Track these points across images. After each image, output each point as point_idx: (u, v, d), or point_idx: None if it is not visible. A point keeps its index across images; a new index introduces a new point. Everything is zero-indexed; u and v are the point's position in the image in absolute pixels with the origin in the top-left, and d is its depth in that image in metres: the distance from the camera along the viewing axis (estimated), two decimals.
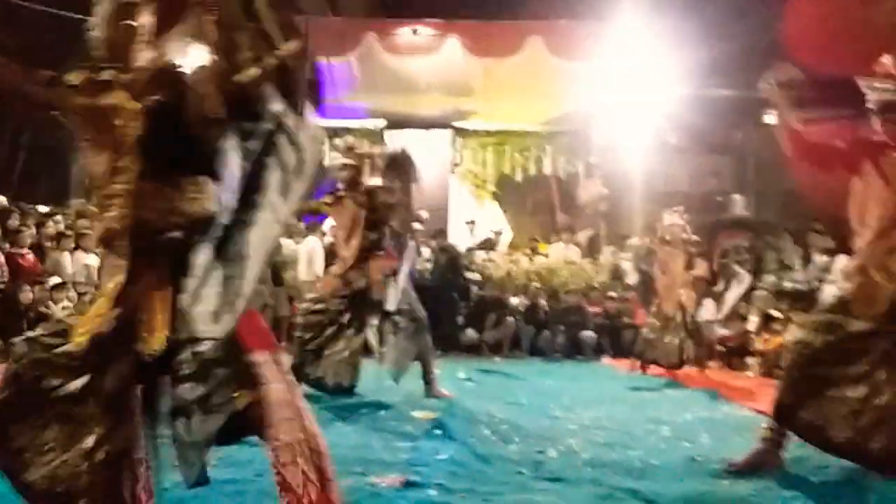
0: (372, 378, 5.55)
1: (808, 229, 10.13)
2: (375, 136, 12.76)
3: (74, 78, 1.83)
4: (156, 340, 1.80)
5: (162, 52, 1.82)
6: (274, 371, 1.85)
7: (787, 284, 9.26)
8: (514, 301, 10.76)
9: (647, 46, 11.14)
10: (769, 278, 9.32)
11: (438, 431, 3.99)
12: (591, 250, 12.10)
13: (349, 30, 11.72)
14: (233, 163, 1.75)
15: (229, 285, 1.70)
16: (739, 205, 12.35)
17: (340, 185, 5.40)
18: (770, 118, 13.78)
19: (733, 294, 7.93)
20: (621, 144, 12.20)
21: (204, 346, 1.73)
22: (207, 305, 1.69)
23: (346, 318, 5.27)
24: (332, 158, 5.63)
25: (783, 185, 12.07)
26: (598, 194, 12.55)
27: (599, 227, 12.74)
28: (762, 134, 13.08)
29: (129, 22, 1.85)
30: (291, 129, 1.75)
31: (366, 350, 5.36)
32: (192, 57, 1.80)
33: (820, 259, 9.43)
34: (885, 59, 3.33)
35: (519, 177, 13.34)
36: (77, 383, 1.82)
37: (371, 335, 5.31)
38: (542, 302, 10.61)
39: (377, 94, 12.42)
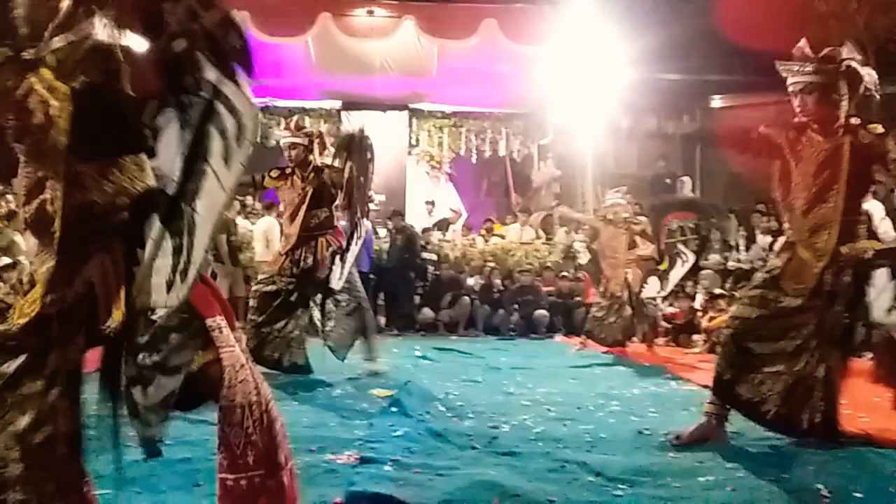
0: (329, 357, 5.60)
1: (752, 210, 10.46)
2: (331, 117, 12.73)
3: None
4: (114, 316, 1.81)
5: (89, 31, 1.82)
6: (228, 335, 1.90)
7: (732, 264, 9.58)
8: (470, 281, 10.89)
9: (599, 31, 11.28)
10: (714, 258, 9.61)
11: (395, 409, 4.05)
12: (545, 231, 12.27)
13: (304, 10, 11.59)
14: (172, 136, 1.74)
15: (180, 255, 1.71)
16: (687, 186, 12.62)
17: (289, 163, 5.43)
18: (716, 102, 14.17)
19: (677, 273, 8.14)
20: (574, 127, 12.36)
21: (159, 315, 1.75)
22: (161, 276, 1.71)
23: (294, 297, 5.30)
24: (283, 137, 5.62)
25: (729, 167, 12.41)
26: (550, 176, 12.70)
27: (552, 209, 12.91)
28: (709, 117, 13.42)
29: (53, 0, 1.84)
30: (228, 95, 1.77)
31: (312, 328, 5.41)
32: (118, 34, 1.80)
33: (763, 239, 9.77)
34: (802, 43, 3.46)
35: (474, 158, 13.42)
36: (12, 365, 1.79)
37: (316, 313, 5.35)
38: (497, 281, 10.76)
39: (333, 75, 12.35)
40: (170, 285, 1.71)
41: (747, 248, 10.25)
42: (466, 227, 12.61)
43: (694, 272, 9.30)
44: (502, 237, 12.06)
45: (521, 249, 11.58)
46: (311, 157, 5.40)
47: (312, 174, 5.34)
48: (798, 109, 3.46)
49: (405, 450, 3.18)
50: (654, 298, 8.28)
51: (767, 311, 3.43)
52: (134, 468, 2.78)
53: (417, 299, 10.67)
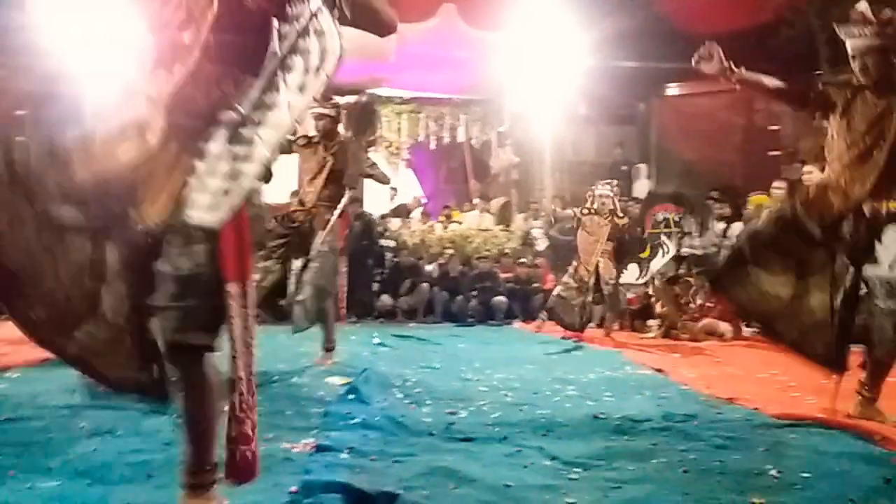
0: (283, 345, 5.54)
1: (705, 197, 10.63)
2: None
3: None
4: (154, 212, 1.82)
5: None
6: (239, 305, 1.90)
7: (686, 250, 9.71)
8: (429, 267, 10.88)
9: (556, 18, 11.30)
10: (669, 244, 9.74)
11: (352, 396, 4.03)
12: (503, 217, 12.31)
13: None
14: (269, 55, 1.79)
15: (233, 178, 1.72)
16: (643, 174, 12.78)
17: (316, 132, 5.43)
18: (671, 90, 14.34)
19: (657, 263, 8.33)
20: (532, 114, 12.40)
21: (193, 234, 1.80)
22: (207, 194, 1.72)
23: (279, 250, 5.29)
24: (311, 108, 5.56)
25: (683, 155, 12.60)
26: (509, 163, 12.75)
27: (511, 195, 12.96)
28: (664, 105, 13.58)
29: None
30: (322, 27, 1.78)
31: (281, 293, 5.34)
32: None
33: (717, 225, 9.93)
34: (864, 6, 3.60)
35: (433, 145, 13.38)
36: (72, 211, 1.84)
37: (293, 279, 5.29)
38: (456, 268, 10.77)
39: None
40: (213, 206, 1.72)
41: (701, 234, 10.40)
42: (425, 213, 12.58)
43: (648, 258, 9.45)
44: (460, 224, 12.07)
45: (480, 236, 11.61)
46: (338, 130, 5.46)
47: (337, 147, 5.40)
48: (858, 70, 3.59)
49: (362, 437, 3.16)
50: (630, 284, 8.44)
51: (784, 227, 3.60)
52: (83, 460, 2.74)
53: (376, 286, 10.62)
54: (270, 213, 5.48)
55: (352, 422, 3.44)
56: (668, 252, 8.22)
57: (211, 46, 1.85)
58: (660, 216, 8.16)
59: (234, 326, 1.88)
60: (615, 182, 8.48)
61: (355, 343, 6.87)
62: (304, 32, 1.78)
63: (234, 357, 1.92)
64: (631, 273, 8.25)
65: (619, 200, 8.26)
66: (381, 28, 2.06)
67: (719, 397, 4.32)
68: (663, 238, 8.28)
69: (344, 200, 5.39)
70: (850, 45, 3.60)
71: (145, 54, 1.93)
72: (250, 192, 1.79)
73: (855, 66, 3.59)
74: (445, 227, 11.88)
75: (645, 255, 8.50)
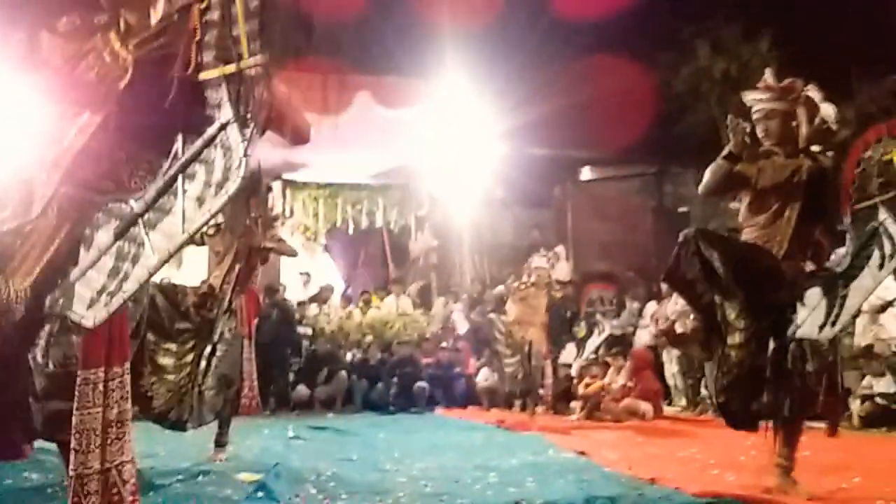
0: (188, 440, 5.20)
1: (622, 278, 10.90)
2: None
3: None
4: (23, 283, 1.75)
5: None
6: (100, 393, 1.80)
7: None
8: (348, 355, 10.62)
9: (472, 105, 11.63)
10: (620, 321, 9.84)
11: (261, 494, 3.78)
12: (423, 301, 12.24)
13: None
14: (172, 154, 1.72)
15: (117, 276, 1.65)
16: (562, 255, 13.01)
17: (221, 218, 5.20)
18: (585, 174, 14.85)
19: (593, 342, 8.37)
20: (450, 198, 12.56)
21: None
22: (88, 289, 1.65)
23: (188, 345, 4.95)
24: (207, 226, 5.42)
25: (599, 236, 12.95)
26: (428, 246, 12.79)
27: (430, 279, 12.95)
28: (578, 189, 14.04)
29: None
30: (231, 142, 1.70)
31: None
32: None
33: (632, 305, 10.12)
34: (767, 74, 3.82)
35: (350, 230, 13.33)
36: None
37: (202, 366, 4.97)
38: (376, 355, 10.54)
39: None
40: (93, 302, 1.67)
41: (618, 315, 10.58)
42: (345, 299, 12.39)
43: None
44: (379, 309, 11.92)
45: (400, 321, 11.46)
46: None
47: (245, 234, 5.15)
48: (762, 134, 3.79)
49: None
50: (568, 364, 8.42)
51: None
52: None
53: (292, 376, 10.26)
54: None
55: None
56: (603, 331, 8.30)
57: (115, 118, 1.78)
58: (594, 294, 8.28)
59: (89, 417, 1.74)
60: (552, 254, 8.55)
61: (268, 437, 6.55)
62: (210, 141, 1.72)
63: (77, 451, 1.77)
64: (569, 352, 8.26)
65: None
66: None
67: (641, 478, 4.26)
68: (598, 317, 8.38)
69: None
70: (754, 110, 3.82)
71: (43, 117, 1.85)
72: (133, 294, 1.70)
73: (759, 130, 3.80)
74: (364, 313, 11.69)
75: (581, 334, 8.57)
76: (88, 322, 1.65)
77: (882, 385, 6.75)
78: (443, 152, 12.02)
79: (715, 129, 13.19)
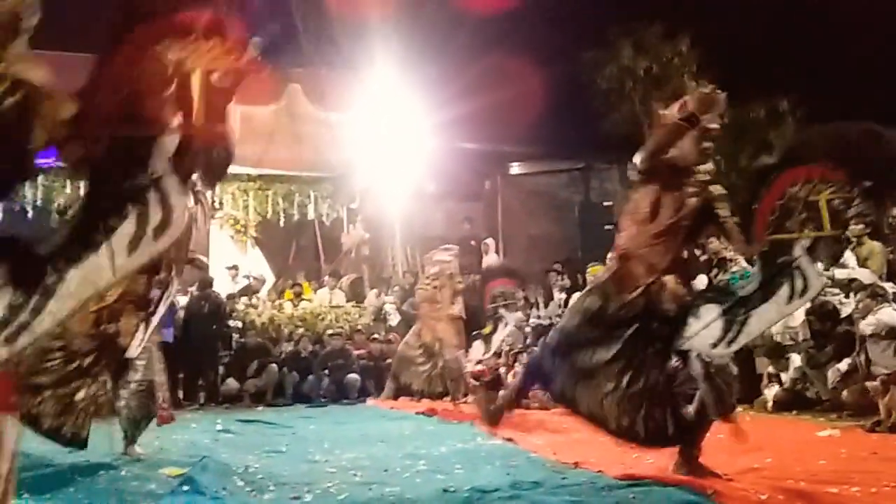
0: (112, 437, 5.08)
1: (548, 270, 11.11)
2: None
3: None
4: None
5: None
6: None
7: (533, 321, 10.03)
8: (278, 347, 10.53)
9: (402, 97, 11.66)
10: (517, 315, 10.00)
11: (186, 488, 3.74)
12: (355, 294, 12.21)
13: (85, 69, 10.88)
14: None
15: (18, 314, 1.56)
16: (491, 248, 13.18)
17: None
18: (514, 169, 15.04)
19: (499, 336, 8.46)
20: (382, 190, 12.56)
21: None
22: None
23: (88, 360, 4.76)
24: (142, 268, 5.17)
25: (528, 229, 13.17)
26: (360, 239, 12.76)
27: (363, 271, 12.93)
28: (508, 182, 14.23)
29: None
30: (168, 191, 1.66)
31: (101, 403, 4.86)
32: None
33: (559, 296, 10.35)
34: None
35: (282, 222, 13.18)
36: None
37: (110, 385, 4.82)
38: (307, 347, 10.48)
39: None
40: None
41: (546, 305, 10.80)
42: (276, 292, 12.25)
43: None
44: (311, 301, 11.84)
45: (332, 313, 11.41)
46: None
47: None
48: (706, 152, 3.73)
49: None
50: (479, 360, 8.49)
51: (589, 319, 3.60)
52: None
53: (221, 369, 10.10)
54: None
55: None
56: (507, 325, 8.43)
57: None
58: (496, 290, 8.40)
59: None
60: (455, 248, 8.62)
61: (196, 431, 6.47)
62: (140, 192, 1.69)
63: None
64: (476, 349, 8.35)
65: (471, 274, 8.41)
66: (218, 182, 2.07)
67: (565, 462, 4.39)
68: (501, 311, 8.51)
69: None
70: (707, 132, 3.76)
71: None
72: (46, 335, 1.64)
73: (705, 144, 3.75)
74: (296, 306, 11.60)
75: (486, 330, 8.67)
76: None
77: (791, 372, 7.12)
78: (374, 145, 12.01)
79: (638, 126, 13.57)
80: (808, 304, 7.28)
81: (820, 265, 7.72)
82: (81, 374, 4.71)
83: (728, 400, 3.72)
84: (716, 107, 3.67)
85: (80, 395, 4.68)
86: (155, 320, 4.84)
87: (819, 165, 3.23)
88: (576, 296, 9.57)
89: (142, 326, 4.82)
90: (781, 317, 3.49)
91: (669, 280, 3.66)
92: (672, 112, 3.72)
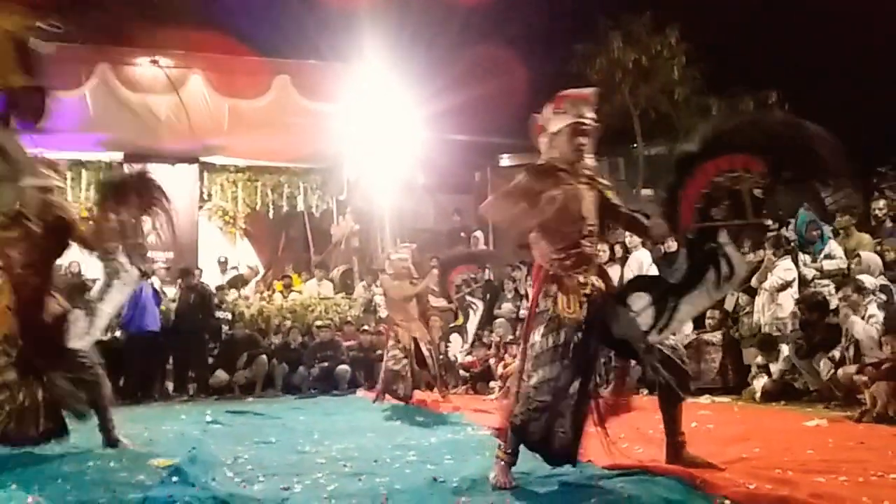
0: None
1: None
2: (112, 169, 11.88)
3: None
4: None
5: None
6: None
7: (523, 312, 10.02)
8: (268, 339, 10.51)
9: (392, 89, 11.62)
10: (507, 307, 10.02)
11: (175, 478, 3.73)
12: (345, 285, 12.20)
13: (80, 60, 10.76)
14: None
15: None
16: (481, 240, 13.18)
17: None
18: (505, 161, 15.06)
19: (472, 323, 8.43)
20: (372, 182, 12.53)
21: None
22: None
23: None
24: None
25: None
26: (349, 230, 12.73)
27: (352, 262, 12.91)
28: (498, 174, 14.23)
29: None
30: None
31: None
32: None
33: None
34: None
35: (271, 214, 13.14)
36: None
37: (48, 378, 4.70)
38: (297, 338, 10.47)
39: (114, 127, 11.57)
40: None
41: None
42: (265, 283, 12.22)
43: (489, 321, 9.65)
44: (301, 293, 11.82)
45: (321, 304, 11.40)
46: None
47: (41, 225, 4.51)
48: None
49: None
50: (459, 353, 8.47)
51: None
52: None
53: (211, 361, 10.09)
54: None
55: None
56: (477, 309, 8.41)
57: None
58: (458, 279, 8.36)
59: None
60: (413, 245, 8.60)
61: (186, 422, 6.45)
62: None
63: None
64: (455, 342, 8.33)
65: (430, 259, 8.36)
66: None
67: None
68: (469, 298, 8.49)
69: None
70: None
71: None
72: None
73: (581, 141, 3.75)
74: (285, 297, 11.57)
75: (459, 321, 8.65)
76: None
77: (781, 363, 7.16)
78: (364, 136, 11.98)
79: (628, 117, 13.58)
80: (797, 295, 7.38)
81: (808, 257, 7.80)
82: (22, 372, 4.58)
83: (687, 379, 3.76)
84: (587, 102, 3.73)
85: (23, 394, 4.56)
86: (103, 311, 4.61)
87: (741, 155, 3.26)
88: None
89: (82, 315, 4.63)
90: (712, 302, 3.52)
91: (597, 280, 3.66)
92: (547, 112, 3.77)
